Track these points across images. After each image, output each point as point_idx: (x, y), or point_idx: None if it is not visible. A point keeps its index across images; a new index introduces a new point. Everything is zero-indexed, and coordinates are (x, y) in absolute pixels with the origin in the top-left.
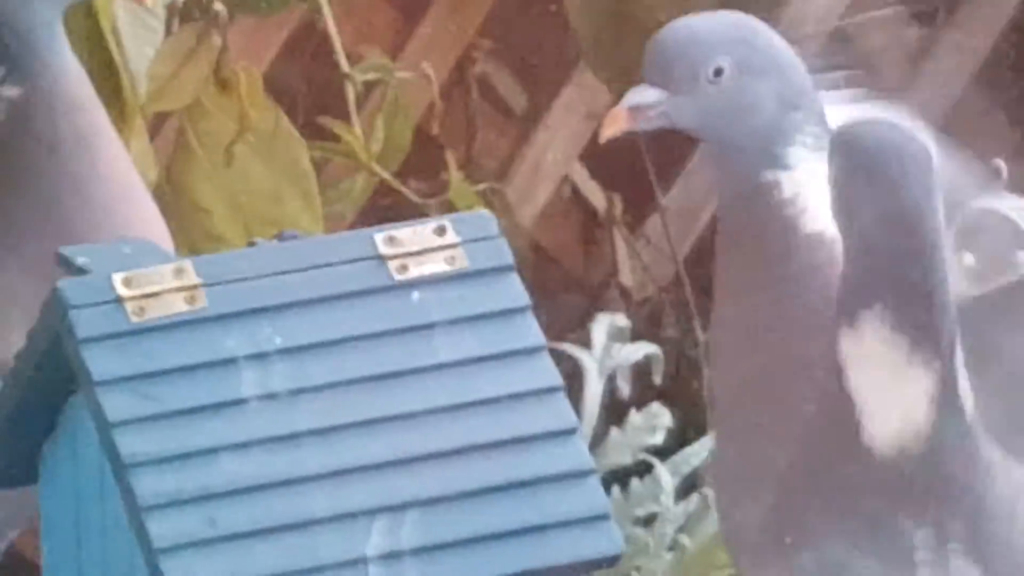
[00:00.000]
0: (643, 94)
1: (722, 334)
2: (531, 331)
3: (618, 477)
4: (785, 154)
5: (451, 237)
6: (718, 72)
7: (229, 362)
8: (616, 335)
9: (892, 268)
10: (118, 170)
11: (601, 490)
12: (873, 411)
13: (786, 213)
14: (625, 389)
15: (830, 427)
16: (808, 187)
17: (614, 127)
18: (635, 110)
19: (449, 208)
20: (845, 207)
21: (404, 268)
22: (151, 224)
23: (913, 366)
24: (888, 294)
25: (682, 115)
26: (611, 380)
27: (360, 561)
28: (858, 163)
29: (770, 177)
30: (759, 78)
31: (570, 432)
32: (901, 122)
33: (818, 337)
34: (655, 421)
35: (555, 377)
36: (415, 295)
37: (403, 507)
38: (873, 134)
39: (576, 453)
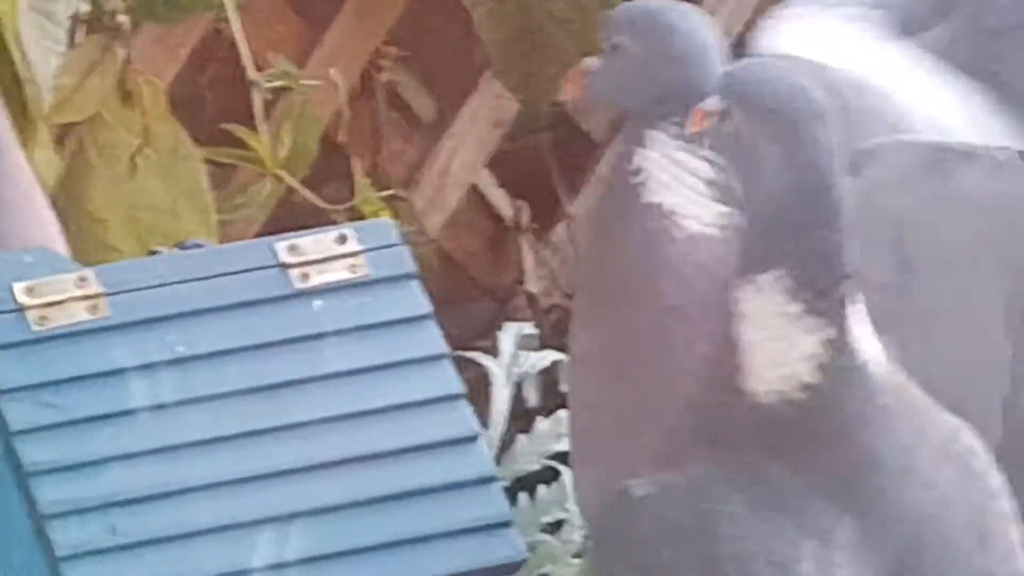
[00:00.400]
0: (589, 62)
1: (584, 299)
2: (433, 339)
3: (525, 484)
4: (645, 135)
5: (353, 245)
6: (616, 46)
7: (129, 371)
8: (523, 343)
9: (797, 234)
10: (17, 173)
11: (503, 496)
12: (758, 362)
13: (630, 182)
14: (532, 396)
15: (715, 375)
16: (655, 164)
17: (568, 89)
18: (581, 71)
19: (356, 215)
20: (746, 166)
21: (306, 276)
22: (48, 228)
23: (805, 325)
24: (790, 259)
25: (597, 81)
26: (519, 387)
27: (246, 571)
28: (763, 122)
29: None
30: (645, 57)
31: (471, 439)
32: (798, 76)
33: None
34: (562, 428)
35: (456, 384)
36: (317, 303)
37: (290, 517)
38: (777, 93)
39: (478, 460)
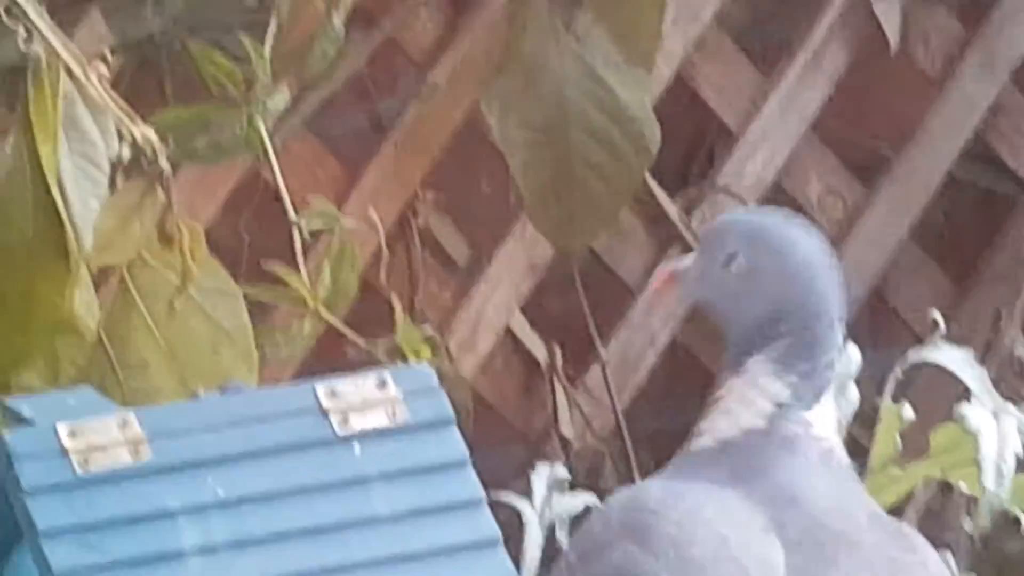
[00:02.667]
0: (682, 259)
1: None
2: (470, 484)
3: None
4: (742, 361)
5: (392, 390)
6: (731, 258)
7: (171, 514)
8: (556, 485)
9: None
10: None
11: None
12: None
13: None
14: (565, 539)
15: None
16: (729, 399)
17: (657, 289)
18: (674, 272)
19: (395, 352)
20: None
21: (345, 421)
22: None
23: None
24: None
25: (698, 287)
26: (551, 530)
27: None
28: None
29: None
30: (762, 279)
31: None
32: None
33: None
34: None
35: (493, 529)
36: (356, 448)
37: None
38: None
39: None
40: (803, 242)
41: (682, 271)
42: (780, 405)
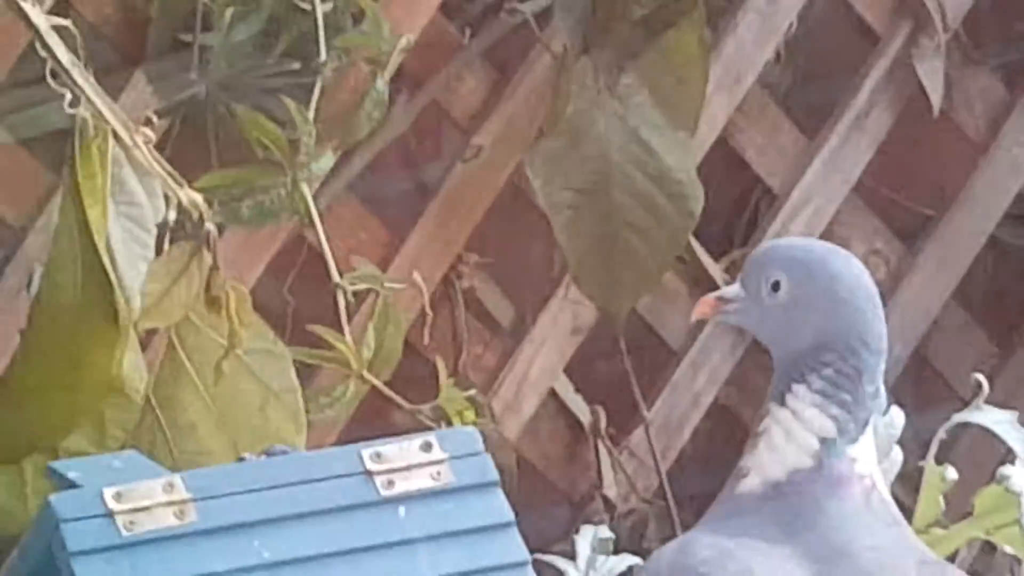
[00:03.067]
0: (728, 289)
1: None
2: (515, 546)
3: None
4: (786, 390)
5: (437, 453)
6: (776, 286)
7: None
8: (600, 547)
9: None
10: None
11: None
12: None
13: (758, 453)
14: None
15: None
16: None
17: (700, 310)
18: (719, 300)
19: (439, 415)
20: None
21: (391, 483)
22: None
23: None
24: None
25: (746, 315)
26: None
27: None
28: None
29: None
30: (806, 307)
31: None
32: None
33: None
34: None
35: (523, 552)
36: (401, 510)
37: None
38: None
39: None
40: (847, 271)
41: (726, 298)
42: (825, 440)
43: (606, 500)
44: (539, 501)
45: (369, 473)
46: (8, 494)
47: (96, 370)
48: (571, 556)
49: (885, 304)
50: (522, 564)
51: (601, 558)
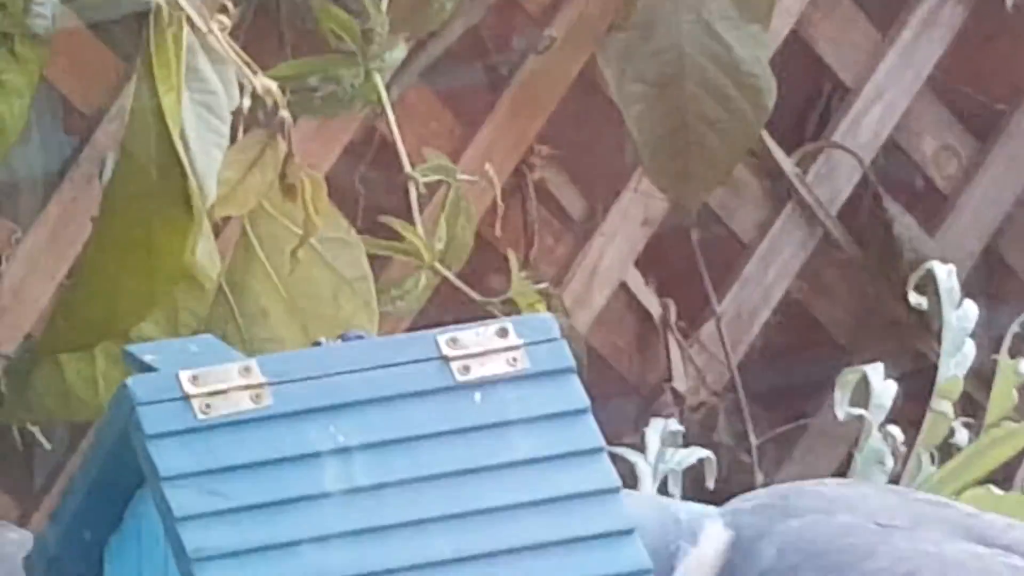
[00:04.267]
0: None
1: None
2: (591, 432)
3: None
4: None
5: (513, 339)
6: None
7: (293, 459)
8: (669, 439)
9: None
10: None
11: None
12: None
13: None
14: (676, 493)
15: None
16: None
17: None
18: None
19: (510, 308)
20: None
21: (466, 369)
22: None
23: None
24: None
25: None
26: (664, 483)
27: None
28: None
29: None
30: None
31: (628, 533)
32: None
33: None
34: None
35: (613, 478)
36: (477, 395)
37: None
38: None
39: (634, 555)
40: None
41: None
42: None
43: (676, 393)
44: (609, 394)
45: (445, 358)
46: (80, 381)
47: (169, 257)
48: (640, 449)
49: (957, 198)
50: (597, 450)
51: (670, 451)
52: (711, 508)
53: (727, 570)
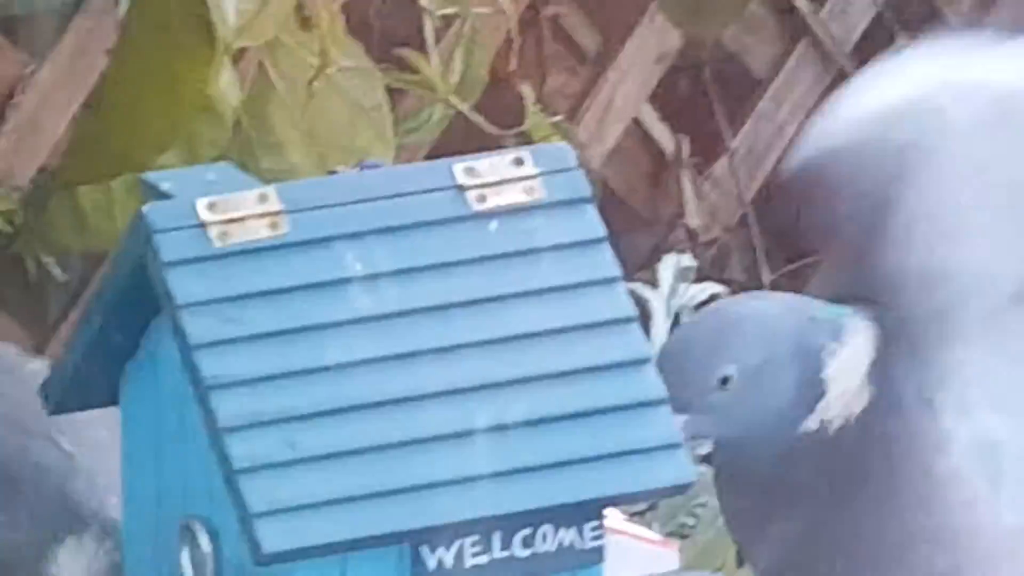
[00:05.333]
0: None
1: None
2: (607, 262)
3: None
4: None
5: (529, 168)
6: (725, 380)
7: (310, 287)
8: (682, 275)
9: None
10: None
11: (672, 420)
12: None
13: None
14: None
15: None
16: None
17: None
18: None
19: (524, 141)
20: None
21: (482, 198)
22: None
23: None
24: None
25: (706, 430)
26: (677, 319)
27: (425, 486)
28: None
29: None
30: (771, 372)
31: (643, 362)
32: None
33: None
34: None
35: (630, 308)
36: (493, 225)
37: (462, 435)
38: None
39: (649, 383)
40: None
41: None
42: None
43: (689, 230)
44: (622, 230)
45: (461, 188)
46: (96, 211)
47: (190, 88)
48: (653, 284)
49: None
50: (614, 279)
51: (683, 286)
52: (843, 307)
53: (880, 360)
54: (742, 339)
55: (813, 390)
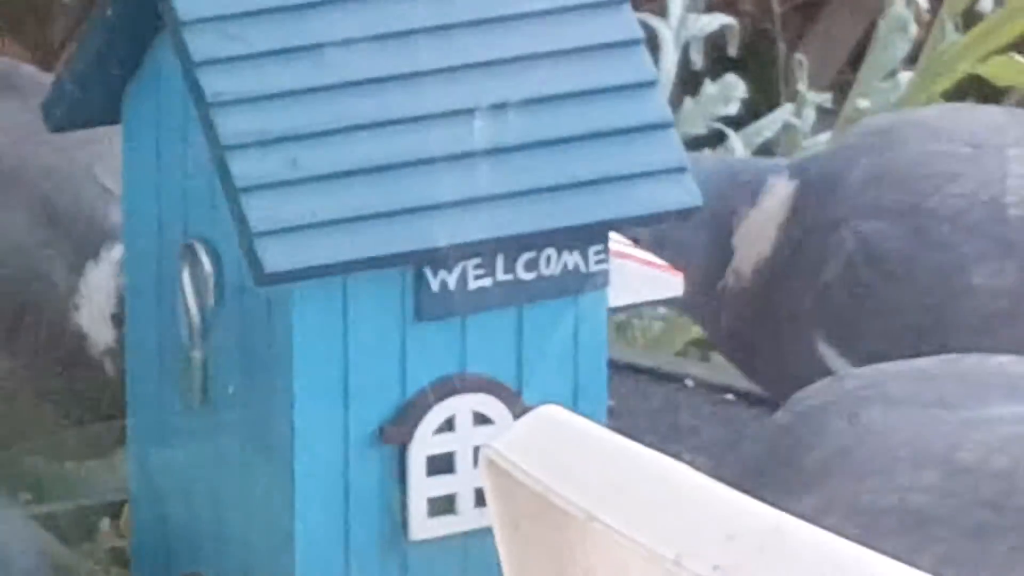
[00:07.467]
0: None
1: None
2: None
3: (691, 147)
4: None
5: None
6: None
7: (314, 6)
8: (692, 5)
9: None
10: None
11: (679, 143)
12: None
13: None
14: (698, 60)
15: None
16: None
17: None
18: None
19: None
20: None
21: None
22: None
23: None
24: None
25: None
26: (686, 50)
27: (426, 208)
28: None
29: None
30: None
31: (650, 84)
32: None
33: None
34: (730, 92)
35: (636, 29)
36: None
37: (468, 157)
38: None
39: (656, 106)
40: None
41: None
42: None
43: None
44: None
45: None
46: None
47: None
48: (663, 15)
49: None
50: (620, 2)
51: (693, 16)
52: (778, 161)
53: (793, 219)
54: None
55: (724, 253)
